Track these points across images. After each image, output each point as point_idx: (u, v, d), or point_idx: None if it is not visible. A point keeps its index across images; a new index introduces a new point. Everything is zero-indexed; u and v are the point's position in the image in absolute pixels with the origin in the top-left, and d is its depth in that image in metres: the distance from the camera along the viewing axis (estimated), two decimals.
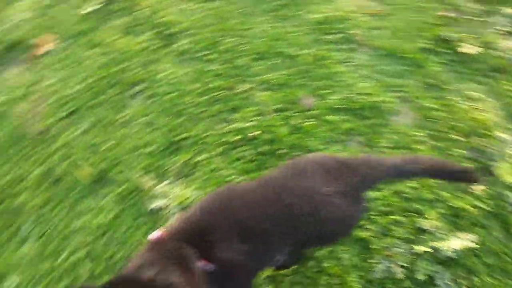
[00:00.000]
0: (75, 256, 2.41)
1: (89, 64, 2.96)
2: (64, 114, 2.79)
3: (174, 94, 2.82)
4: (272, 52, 2.95)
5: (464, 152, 2.57)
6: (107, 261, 2.38)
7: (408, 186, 2.51)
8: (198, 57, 2.97)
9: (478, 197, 2.42)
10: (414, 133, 2.69)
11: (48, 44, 3.07)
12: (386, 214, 2.44)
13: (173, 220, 1.70)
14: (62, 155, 2.66)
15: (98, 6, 3.33)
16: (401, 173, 1.78)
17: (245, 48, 2.98)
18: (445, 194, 2.46)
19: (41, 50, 3.05)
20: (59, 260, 2.40)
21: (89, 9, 3.27)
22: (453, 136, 2.63)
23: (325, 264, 2.32)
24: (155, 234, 1.60)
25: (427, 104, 2.76)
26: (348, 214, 1.69)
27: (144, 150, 2.66)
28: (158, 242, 1.58)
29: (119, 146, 2.66)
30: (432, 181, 2.51)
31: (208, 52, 2.98)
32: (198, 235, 1.58)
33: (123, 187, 2.54)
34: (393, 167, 1.77)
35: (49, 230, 2.49)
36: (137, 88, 2.87)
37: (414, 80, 2.87)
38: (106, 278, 2.31)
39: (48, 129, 2.75)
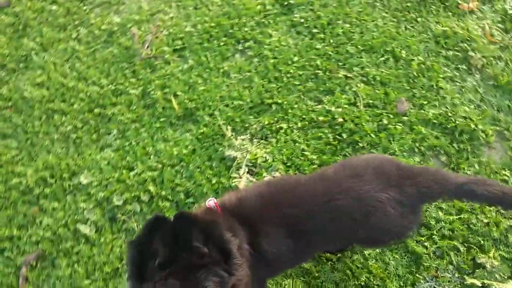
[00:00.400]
0: (144, 175, 2.60)
1: (210, 10, 3.12)
2: (175, 48, 2.98)
3: (277, 60, 2.90)
4: (383, 49, 2.92)
5: None
6: (171, 189, 2.55)
7: (477, 217, 2.42)
8: (310, 33, 3.02)
9: None
10: (501, 171, 2.57)
11: None
12: (448, 238, 2.38)
13: (229, 195, 1.77)
14: (161, 83, 2.85)
15: None
16: (466, 193, 1.73)
17: (357, 37, 2.97)
18: None
19: None
20: (130, 174, 2.61)
21: None
22: None
23: (370, 263, 2.32)
24: (211, 202, 1.67)
25: None
26: (400, 225, 1.68)
27: (234, 102, 2.78)
28: (213, 212, 1.66)
29: (213, 92, 2.80)
30: (504, 222, 2.40)
31: (320, 30, 3.02)
32: (249, 221, 1.62)
33: (206, 129, 2.69)
34: (459, 185, 1.71)
35: (130, 145, 2.70)
36: (246, 44, 2.99)
37: None
38: (163, 204, 2.49)
39: (157, 57, 2.96)
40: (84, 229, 2.40)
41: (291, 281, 2.28)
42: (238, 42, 3.01)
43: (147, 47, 2.98)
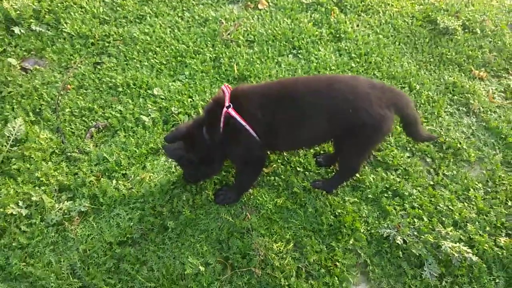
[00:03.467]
0: (197, 103, 3.33)
1: (281, 25, 4.15)
2: (247, 39, 3.99)
3: (319, 65, 3.76)
4: (402, 80, 3.71)
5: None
6: None
7: (445, 203, 2.93)
8: (349, 56, 3.89)
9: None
10: (474, 182, 3.10)
11: (263, 5, 4.40)
12: (416, 208, 2.89)
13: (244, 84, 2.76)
14: (230, 55, 3.79)
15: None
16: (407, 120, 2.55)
17: (384, 68, 3.78)
18: (477, 237, 2.80)
19: (258, 6, 4.39)
20: (188, 99, 3.37)
21: None
22: (509, 203, 3.00)
23: (348, 204, 2.86)
24: (223, 87, 2.55)
25: (500, 173, 3.16)
26: (378, 113, 2.30)
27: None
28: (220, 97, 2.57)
29: (265, 70, 3.66)
30: (466, 212, 2.88)
31: (357, 56, 3.89)
32: (262, 98, 2.45)
33: None
34: (413, 113, 2.53)
35: (194, 84, 3.52)
36: (299, 51, 3.92)
37: (501, 154, 3.29)
38: None
39: (233, 41, 3.95)
40: (144, 118, 3.18)
41: (282, 199, 2.85)
42: (294, 47, 3.96)
43: (228, 33, 3.99)
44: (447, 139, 3.33)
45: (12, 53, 3.59)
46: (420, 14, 4.45)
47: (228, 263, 2.53)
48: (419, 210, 2.88)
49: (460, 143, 3.32)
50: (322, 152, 3.16)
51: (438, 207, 2.93)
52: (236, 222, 2.70)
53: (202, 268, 2.44)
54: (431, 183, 3.08)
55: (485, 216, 2.91)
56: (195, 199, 2.79)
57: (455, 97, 3.69)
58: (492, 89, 3.83)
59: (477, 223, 2.87)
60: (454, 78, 3.83)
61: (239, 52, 3.83)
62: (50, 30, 3.82)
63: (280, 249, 2.60)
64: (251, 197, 2.86)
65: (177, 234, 2.63)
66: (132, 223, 2.62)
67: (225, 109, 2.39)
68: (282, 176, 2.98)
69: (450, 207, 2.94)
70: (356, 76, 2.54)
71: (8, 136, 2.91)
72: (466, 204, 2.98)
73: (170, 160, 2.97)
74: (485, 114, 3.58)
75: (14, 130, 2.93)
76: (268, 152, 2.98)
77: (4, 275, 2.38)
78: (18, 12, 3.79)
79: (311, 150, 3.14)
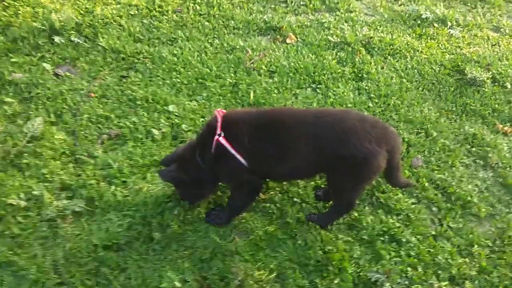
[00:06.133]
0: None
1: (305, 59, 4.24)
2: (269, 69, 4.09)
3: (336, 101, 3.78)
4: (420, 126, 3.63)
5: None
6: None
7: (444, 256, 2.78)
8: (368, 95, 3.88)
9: None
10: (482, 239, 2.93)
11: (291, 40, 4.53)
12: (412, 256, 2.76)
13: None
14: (249, 82, 3.89)
15: None
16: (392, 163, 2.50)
17: (403, 111, 3.73)
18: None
19: (286, 40, 4.52)
20: (201, 119, 3.48)
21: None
22: None
23: (340, 242, 2.78)
24: (216, 112, 2.61)
25: (511, 233, 2.97)
26: (366, 146, 2.27)
27: None
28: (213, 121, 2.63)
29: (281, 99, 3.73)
30: (465, 269, 2.71)
31: (376, 96, 3.87)
32: (250, 124, 2.50)
33: None
34: (398, 158, 2.58)
35: (209, 105, 3.62)
36: (318, 86, 3.97)
37: None
38: None
39: (255, 69, 4.07)
40: (155, 132, 3.30)
41: (273, 227, 2.82)
42: (313, 82, 4.01)
43: (252, 62, 4.12)
44: (457, 190, 3.19)
45: (48, 59, 3.88)
46: (449, 63, 4.40)
47: (205, 283, 2.51)
48: (415, 259, 2.75)
49: (471, 196, 3.17)
50: (323, 186, 3.12)
51: (436, 259, 2.78)
52: (222, 243, 2.69)
53: (178, 284, 2.43)
54: (433, 233, 2.94)
55: (486, 276, 2.73)
56: (186, 215, 2.82)
57: (473, 149, 3.56)
58: None
59: (476, 281, 2.70)
60: (475, 130, 3.71)
61: (259, 81, 3.93)
62: (87, 43, 4.11)
63: (261, 277, 2.55)
64: (243, 220, 2.85)
65: (161, 247, 2.65)
66: (120, 230, 2.67)
67: (216, 136, 2.46)
68: (277, 205, 2.96)
69: (450, 260, 2.78)
70: (348, 110, 2.55)
71: (26, 133, 3.11)
72: (467, 260, 2.81)
73: None
74: (504, 170, 3.41)
75: (32, 127, 3.13)
76: (267, 179, 2.99)
77: None
78: (62, 23, 4.12)
79: (312, 183, 3.11)
